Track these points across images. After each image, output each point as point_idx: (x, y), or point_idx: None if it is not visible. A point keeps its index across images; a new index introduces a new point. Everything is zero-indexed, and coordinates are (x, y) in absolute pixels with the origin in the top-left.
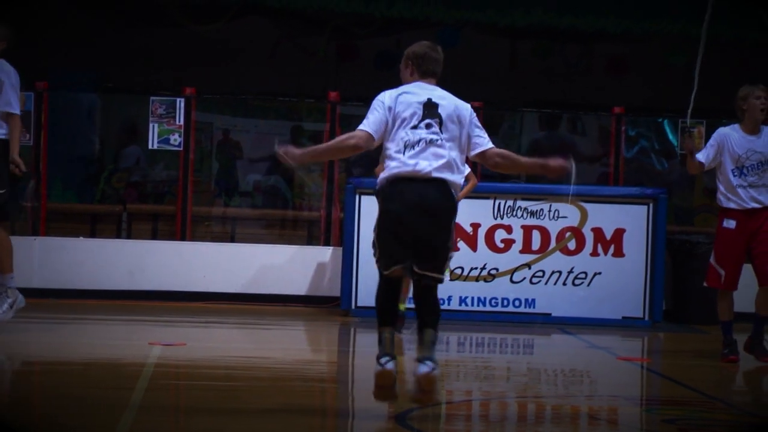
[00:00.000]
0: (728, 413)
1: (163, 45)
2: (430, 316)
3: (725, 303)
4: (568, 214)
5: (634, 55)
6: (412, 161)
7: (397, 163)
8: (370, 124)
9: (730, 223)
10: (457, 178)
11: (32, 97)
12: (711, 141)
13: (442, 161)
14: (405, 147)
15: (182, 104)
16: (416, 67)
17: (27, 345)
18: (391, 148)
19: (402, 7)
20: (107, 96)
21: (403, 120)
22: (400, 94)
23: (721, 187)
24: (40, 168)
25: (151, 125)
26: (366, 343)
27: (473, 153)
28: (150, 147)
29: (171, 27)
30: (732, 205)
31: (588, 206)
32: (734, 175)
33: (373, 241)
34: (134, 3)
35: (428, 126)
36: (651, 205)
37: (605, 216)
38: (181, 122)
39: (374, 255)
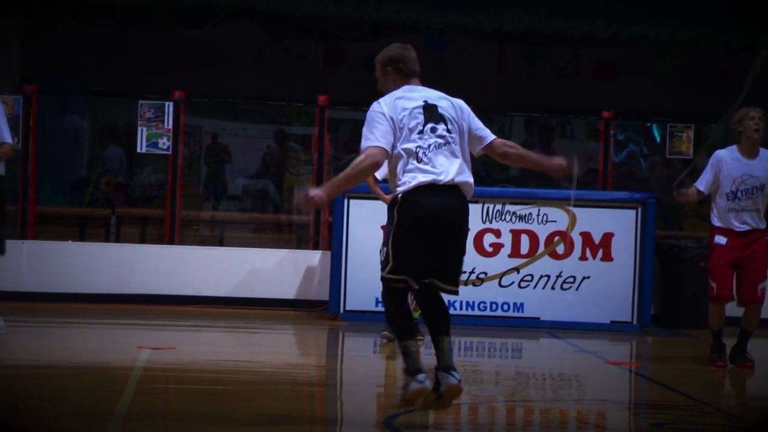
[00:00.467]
0: (717, 417)
1: (151, 49)
2: (445, 323)
3: (716, 313)
4: (556, 218)
5: (621, 59)
6: (428, 167)
7: (412, 174)
8: (377, 137)
9: (721, 239)
10: (472, 179)
11: (20, 101)
12: (708, 166)
13: (457, 163)
14: (418, 156)
15: (171, 108)
16: (397, 72)
17: (16, 349)
18: (402, 160)
19: (390, 12)
20: (96, 99)
21: (409, 129)
22: (395, 103)
23: (714, 208)
24: (28, 171)
25: (139, 129)
26: (354, 347)
27: (480, 147)
28: (138, 150)
29: (160, 31)
30: (722, 226)
31: (576, 210)
32: (728, 199)
33: (386, 253)
34: (123, 7)
35: (433, 130)
36: (639, 209)
37: (594, 220)
38: (170, 126)
39: (383, 266)
